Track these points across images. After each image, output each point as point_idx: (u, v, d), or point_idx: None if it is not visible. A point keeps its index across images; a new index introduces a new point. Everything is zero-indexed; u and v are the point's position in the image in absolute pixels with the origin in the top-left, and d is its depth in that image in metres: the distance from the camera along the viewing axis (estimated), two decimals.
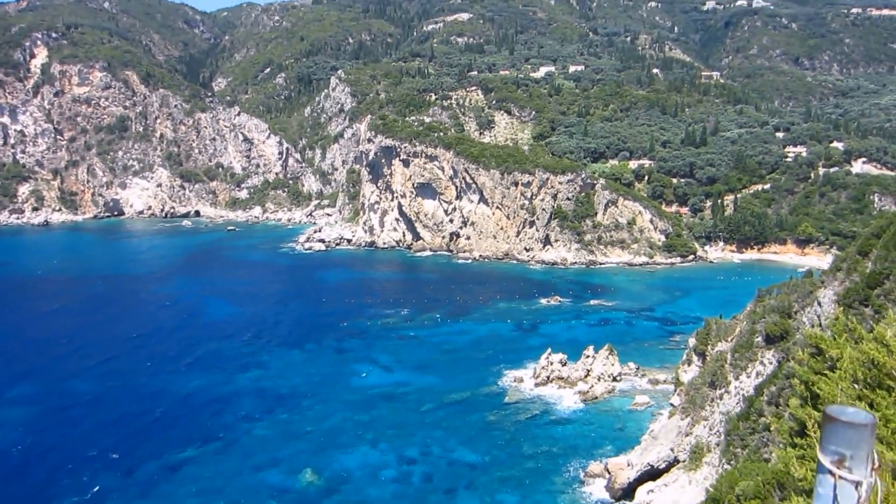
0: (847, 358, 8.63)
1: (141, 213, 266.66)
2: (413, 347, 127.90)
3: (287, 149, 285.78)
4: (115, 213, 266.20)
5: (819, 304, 69.71)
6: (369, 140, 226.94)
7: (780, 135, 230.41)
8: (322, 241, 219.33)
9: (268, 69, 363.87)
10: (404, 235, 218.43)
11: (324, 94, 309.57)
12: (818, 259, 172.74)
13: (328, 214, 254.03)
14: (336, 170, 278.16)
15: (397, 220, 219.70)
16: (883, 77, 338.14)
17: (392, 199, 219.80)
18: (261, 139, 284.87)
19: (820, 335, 10.21)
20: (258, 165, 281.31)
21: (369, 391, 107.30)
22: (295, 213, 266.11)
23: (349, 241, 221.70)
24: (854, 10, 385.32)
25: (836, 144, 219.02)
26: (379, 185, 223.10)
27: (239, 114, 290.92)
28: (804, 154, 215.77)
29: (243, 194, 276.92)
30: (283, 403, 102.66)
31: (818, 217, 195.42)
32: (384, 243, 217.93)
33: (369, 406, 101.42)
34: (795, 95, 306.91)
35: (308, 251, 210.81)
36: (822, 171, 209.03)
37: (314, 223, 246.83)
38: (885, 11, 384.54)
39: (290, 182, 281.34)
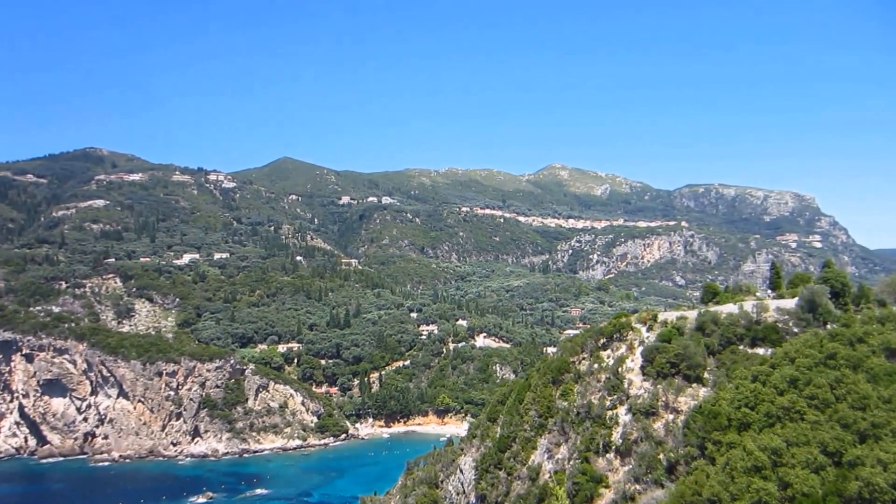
0: None
1: None
2: None
3: None
4: None
5: (461, 471, 76.46)
6: None
7: (414, 315, 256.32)
8: None
9: None
10: (26, 441, 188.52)
11: None
12: (457, 427, 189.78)
13: None
14: None
15: (18, 423, 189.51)
16: (491, 264, 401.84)
17: (11, 400, 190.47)
18: None
19: None
20: None
21: None
22: None
23: None
24: (464, 209, 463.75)
25: (461, 322, 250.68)
26: None
27: None
28: (436, 332, 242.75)
29: None
30: None
31: (453, 388, 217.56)
32: None
33: None
34: (424, 280, 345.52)
35: None
36: (451, 346, 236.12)
37: None
38: (487, 211, 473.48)
39: None
